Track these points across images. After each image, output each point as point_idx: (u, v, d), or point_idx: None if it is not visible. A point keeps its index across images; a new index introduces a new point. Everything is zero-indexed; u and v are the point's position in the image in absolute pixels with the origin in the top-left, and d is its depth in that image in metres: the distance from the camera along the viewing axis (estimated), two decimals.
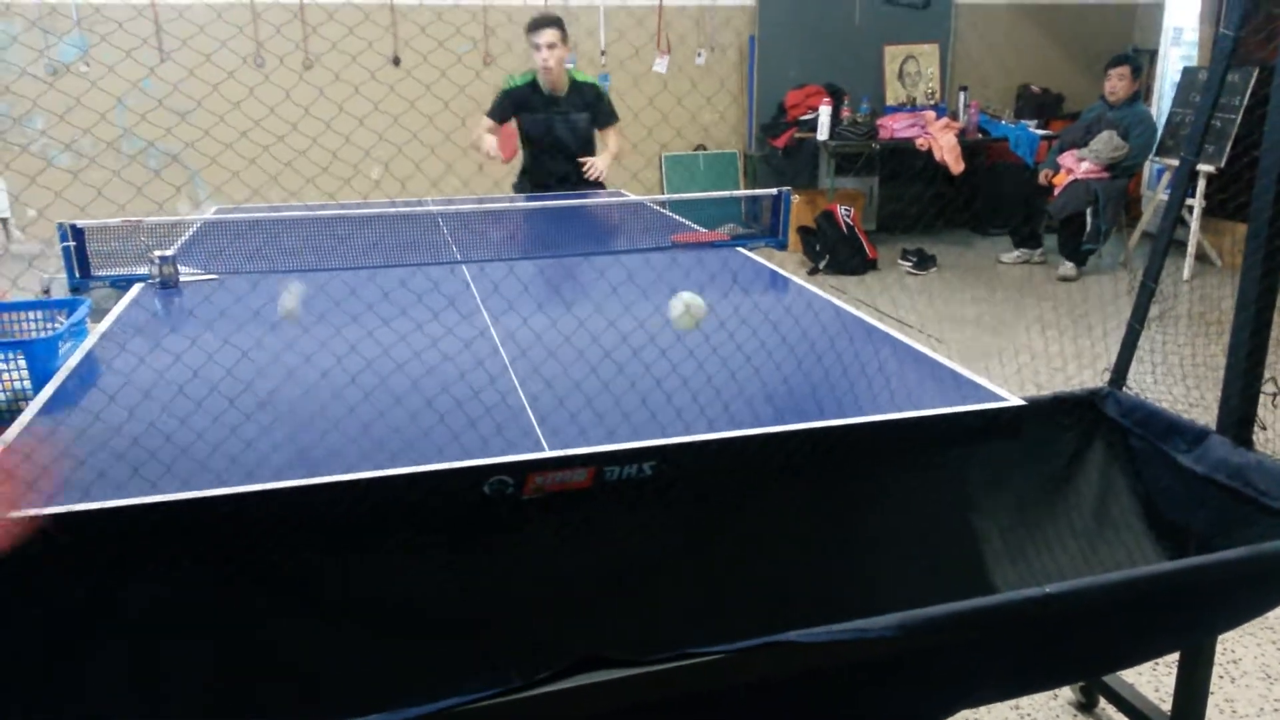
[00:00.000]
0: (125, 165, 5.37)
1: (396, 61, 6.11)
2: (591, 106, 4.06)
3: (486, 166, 4.12)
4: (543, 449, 1.53)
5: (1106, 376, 2.03)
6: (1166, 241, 1.94)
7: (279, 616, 1.53)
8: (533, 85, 4.03)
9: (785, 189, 2.94)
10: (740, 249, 2.91)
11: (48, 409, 1.72)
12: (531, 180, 4.21)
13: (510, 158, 4.07)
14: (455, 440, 1.53)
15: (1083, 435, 1.98)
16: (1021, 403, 1.68)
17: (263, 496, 1.38)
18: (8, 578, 1.36)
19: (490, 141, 3.93)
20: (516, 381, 1.80)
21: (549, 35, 3.87)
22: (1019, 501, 1.92)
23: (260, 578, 1.49)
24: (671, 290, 2.35)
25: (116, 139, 5.49)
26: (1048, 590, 1.29)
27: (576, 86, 4.07)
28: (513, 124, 4.07)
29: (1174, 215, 1.93)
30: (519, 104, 4.06)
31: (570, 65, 4.15)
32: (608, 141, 4.13)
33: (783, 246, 3.04)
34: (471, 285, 2.48)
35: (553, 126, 4.05)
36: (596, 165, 3.99)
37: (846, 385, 1.76)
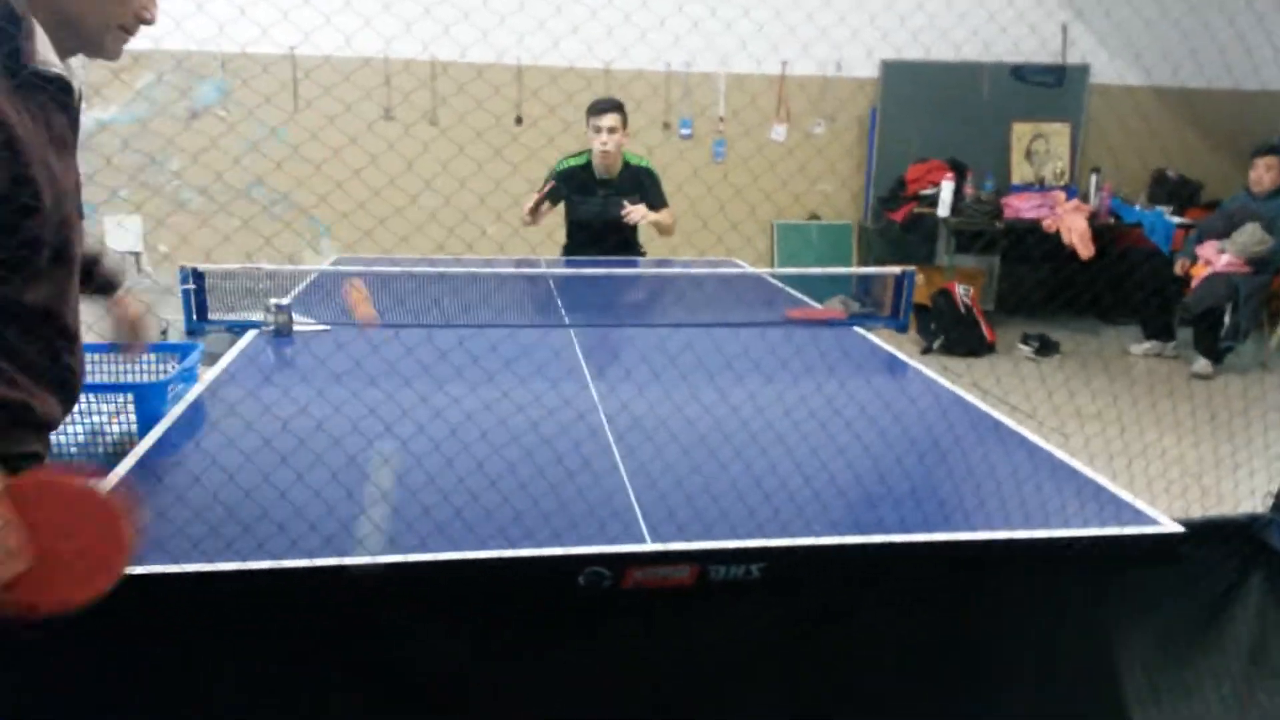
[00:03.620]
0: (255, 214, 5.57)
1: (519, 120, 6.23)
2: (644, 189, 3.97)
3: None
4: (644, 540, 1.43)
5: (1258, 496, 1.83)
6: None
7: (349, 696, 1.45)
8: (586, 166, 3.97)
9: (910, 269, 2.81)
10: (857, 329, 2.79)
11: (151, 455, 1.71)
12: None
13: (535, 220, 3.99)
14: (548, 521, 1.45)
15: (1239, 567, 1.77)
16: (1178, 529, 1.50)
17: (339, 573, 1.31)
18: (93, 635, 1.32)
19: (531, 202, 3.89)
20: (620, 462, 1.71)
21: (610, 120, 3.83)
22: (1164, 637, 1.73)
23: (330, 654, 1.42)
24: (788, 371, 2.25)
25: (247, 186, 5.71)
26: None
27: (630, 170, 3.99)
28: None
29: None
30: (570, 184, 3.99)
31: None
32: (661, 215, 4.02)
33: (903, 329, 2.90)
34: (578, 351, 2.42)
35: (603, 210, 3.97)
36: (637, 210, 3.83)
37: (975, 491, 1.62)
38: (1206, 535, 1.72)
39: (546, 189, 3.92)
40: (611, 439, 1.81)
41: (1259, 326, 5.76)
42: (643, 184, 3.98)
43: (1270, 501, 1.83)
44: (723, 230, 5.60)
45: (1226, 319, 5.49)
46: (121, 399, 1.91)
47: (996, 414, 2.04)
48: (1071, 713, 1.63)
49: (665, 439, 1.78)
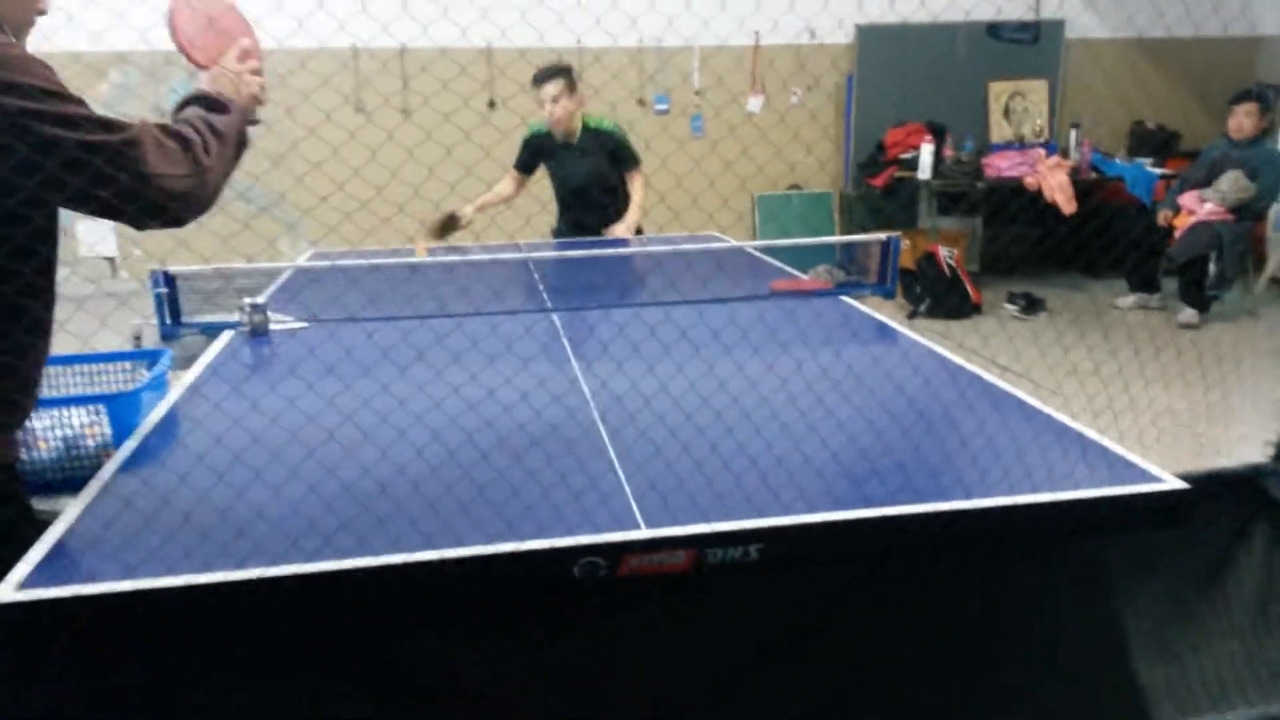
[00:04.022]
0: (234, 213, 5.48)
1: (491, 105, 6.15)
2: (611, 152, 3.95)
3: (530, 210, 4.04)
4: (638, 527, 1.39)
5: (1251, 443, 1.80)
6: None
7: (343, 700, 1.41)
8: (548, 133, 3.95)
9: (895, 235, 2.77)
10: (844, 298, 2.75)
11: (131, 464, 1.67)
12: (566, 229, 4.12)
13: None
14: (539, 512, 1.41)
15: (1243, 519, 1.75)
16: (1184, 486, 1.48)
17: (332, 577, 1.27)
18: (76, 652, 1.28)
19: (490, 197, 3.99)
20: (610, 447, 1.67)
21: (552, 89, 3.79)
22: (1169, 593, 1.70)
23: (320, 660, 1.38)
24: (777, 344, 2.21)
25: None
26: None
27: (591, 132, 3.95)
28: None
29: None
30: (538, 151, 4.01)
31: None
32: (633, 188, 4.00)
33: (890, 296, 2.87)
34: (563, 336, 2.38)
35: (574, 171, 3.96)
36: (616, 231, 3.89)
37: (976, 459, 1.58)
38: (1210, 489, 1.70)
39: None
40: (600, 424, 1.77)
41: (1243, 274, 5.75)
42: (606, 147, 3.94)
43: (1271, 452, 1.81)
44: (704, 204, 5.54)
45: (1211, 268, 5.48)
46: (93, 410, 1.85)
47: (991, 377, 2.00)
48: (1080, 679, 1.61)
49: (655, 421, 1.74)
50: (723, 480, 1.51)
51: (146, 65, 5.64)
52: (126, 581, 1.24)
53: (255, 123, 1.59)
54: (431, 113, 5.52)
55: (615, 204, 4.03)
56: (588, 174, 3.93)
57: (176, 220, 1.35)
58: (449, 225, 3.68)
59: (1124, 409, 4.19)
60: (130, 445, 1.74)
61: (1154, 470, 1.53)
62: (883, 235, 2.80)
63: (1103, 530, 1.49)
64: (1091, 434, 1.68)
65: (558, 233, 4.19)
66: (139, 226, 1.32)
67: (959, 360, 2.10)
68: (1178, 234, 5.57)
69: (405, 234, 4.02)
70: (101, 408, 1.86)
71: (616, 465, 1.59)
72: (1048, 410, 1.80)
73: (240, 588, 1.26)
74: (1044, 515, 1.43)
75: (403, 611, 1.38)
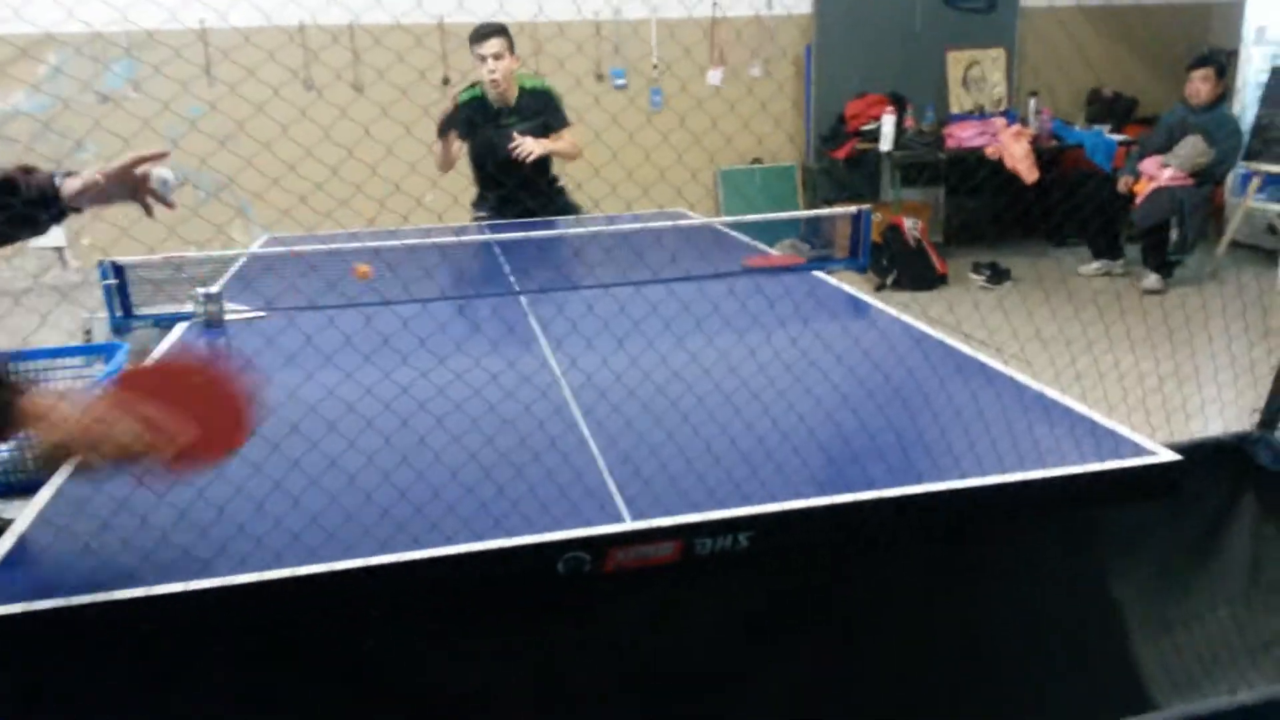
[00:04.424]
0: (183, 200, 5.31)
1: (446, 81, 6.01)
2: (543, 113, 3.73)
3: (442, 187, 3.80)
4: (623, 519, 1.34)
5: (1223, 406, 1.78)
6: None
7: (326, 705, 1.35)
8: (481, 99, 3.72)
9: (866, 208, 2.72)
10: (817, 273, 2.70)
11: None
12: (488, 205, 3.90)
13: (447, 170, 3.75)
14: (518, 507, 1.35)
15: (1231, 487, 1.73)
16: (1175, 457, 1.44)
17: (301, 582, 1.20)
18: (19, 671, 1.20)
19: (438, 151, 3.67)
20: (590, 437, 1.60)
21: (494, 45, 3.57)
22: (1161, 565, 1.68)
23: (302, 664, 1.32)
24: (756, 323, 2.15)
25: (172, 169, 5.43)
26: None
27: (526, 94, 3.74)
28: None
29: None
30: (470, 122, 3.73)
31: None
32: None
33: (863, 269, 2.82)
34: (532, 320, 2.30)
35: (504, 142, 3.68)
36: (525, 144, 3.59)
37: (964, 435, 1.54)
38: (1198, 458, 1.67)
39: (445, 118, 3.68)
40: (578, 412, 1.70)
41: (1204, 238, 5.80)
42: (540, 109, 3.74)
43: (1256, 419, 1.79)
44: (668, 179, 5.47)
45: (1173, 233, 5.51)
46: None
47: (970, 350, 1.97)
48: (1074, 655, 1.58)
49: (635, 408, 1.68)
50: (708, 466, 1.46)
51: (85, 48, 5.44)
52: (81, 596, 1.16)
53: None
54: (384, 90, 5.39)
55: (554, 183, 3.88)
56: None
57: None
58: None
59: (1095, 375, 4.21)
60: None
61: (1145, 442, 1.50)
62: (853, 208, 2.75)
63: (1095, 504, 1.46)
64: (1081, 408, 1.64)
65: (477, 206, 3.97)
66: None
67: (938, 335, 2.06)
68: (1139, 200, 5.59)
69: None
70: None
71: (596, 455, 1.53)
72: (1035, 385, 1.76)
73: (203, 597, 1.18)
74: (1038, 491, 1.39)
75: (376, 616, 1.31)
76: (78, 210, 1.58)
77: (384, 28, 5.36)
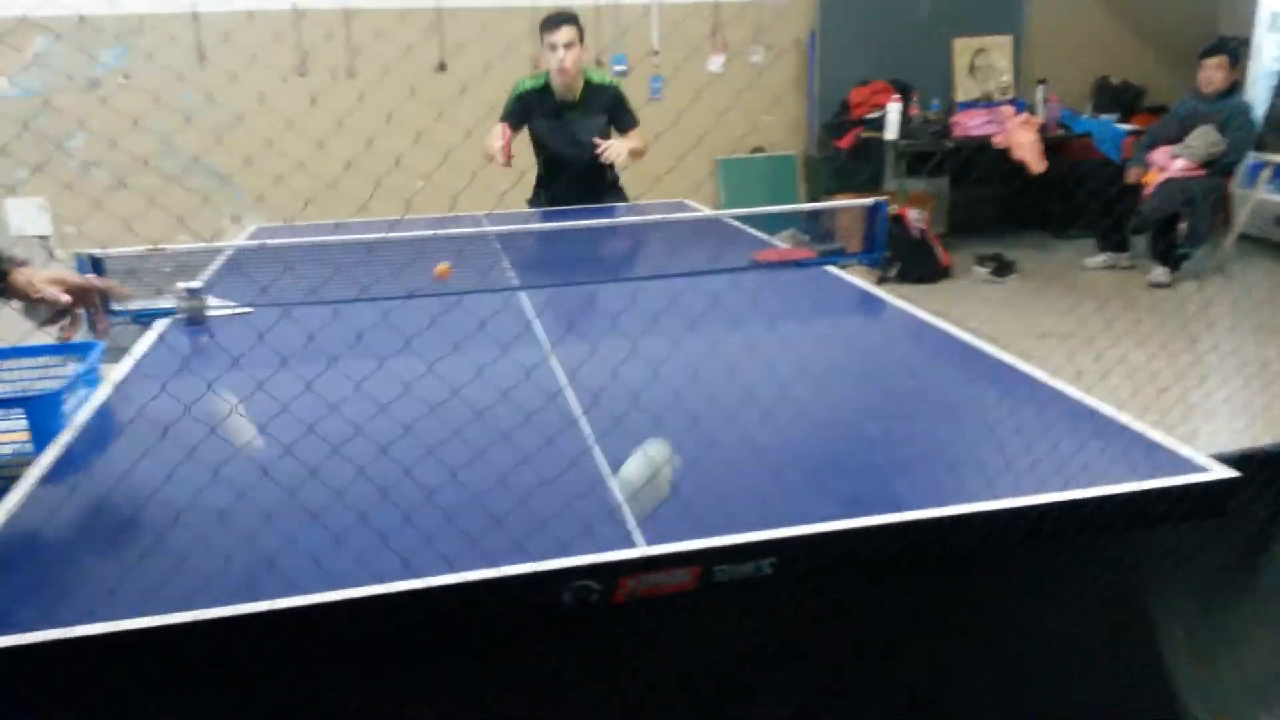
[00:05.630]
0: (170, 186, 5.17)
1: (442, 67, 5.87)
2: (610, 110, 3.62)
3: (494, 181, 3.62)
4: (635, 544, 1.23)
5: (1234, 404, 1.68)
6: None
7: None
8: (545, 89, 3.59)
9: (883, 200, 2.60)
10: (829, 268, 2.59)
11: (53, 477, 1.47)
12: (547, 195, 3.76)
13: (509, 162, 3.51)
14: (520, 532, 1.24)
15: (1276, 502, 1.63)
16: (1233, 473, 1.34)
17: (280, 617, 1.09)
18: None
19: (496, 141, 3.43)
20: (597, 451, 1.49)
21: (566, 34, 3.44)
22: (1202, 584, 1.58)
23: (276, 704, 1.21)
24: (771, 323, 2.04)
25: (154, 153, 5.29)
26: None
27: (592, 89, 3.62)
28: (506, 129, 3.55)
29: None
30: (530, 110, 3.61)
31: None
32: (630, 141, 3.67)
33: (878, 265, 2.71)
34: (533, 318, 2.19)
35: (568, 134, 3.60)
36: (613, 148, 3.47)
37: (1000, 451, 1.43)
38: (1246, 471, 1.56)
39: (508, 108, 3.55)
40: (584, 424, 1.59)
41: (1212, 231, 5.69)
42: (608, 106, 3.61)
43: None
44: (667, 170, 5.35)
45: (1183, 225, 5.40)
46: (13, 414, 1.64)
47: (999, 353, 1.86)
48: (1110, 680, 1.48)
49: (647, 419, 1.56)
50: (728, 485, 1.35)
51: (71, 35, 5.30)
52: (45, 631, 1.05)
53: None
54: (379, 76, 5.26)
55: (613, 173, 3.75)
56: (591, 136, 3.54)
57: None
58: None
59: (1106, 374, 4.11)
60: (53, 453, 1.54)
61: (1197, 458, 1.40)
62: (869, 200, 2.64)
63: (1144, 525, 1.35)
64: (1124, 419, 1.54)
65: (533, 203, 3.85)
66: None
67: (965, 336, 1.95)
68: (1148, 191, 5.48)
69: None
70: (20, 411, 1.65)
71: (606, 473, 1.42)
72: (1071, 392, 1.65)
73: (179, 632, 1.07)
74: (1085, 514, 1.28)
75: (368, 654, 1.20)
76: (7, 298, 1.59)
77: (380, 14, 5.22)
